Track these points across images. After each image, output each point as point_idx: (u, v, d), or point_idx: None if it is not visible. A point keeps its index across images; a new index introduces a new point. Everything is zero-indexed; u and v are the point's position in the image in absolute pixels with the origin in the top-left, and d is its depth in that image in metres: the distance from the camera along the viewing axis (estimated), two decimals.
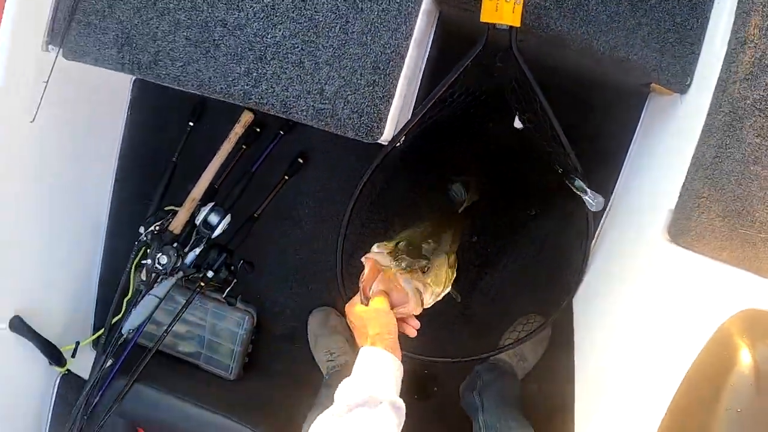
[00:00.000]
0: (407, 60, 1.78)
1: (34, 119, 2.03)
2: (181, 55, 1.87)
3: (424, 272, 1.69)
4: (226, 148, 2.44)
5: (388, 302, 1.62)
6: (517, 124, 2.23)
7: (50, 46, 1.99)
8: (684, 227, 1.63)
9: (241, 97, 1.84)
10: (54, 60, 1.99)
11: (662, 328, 1.68)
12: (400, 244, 1.72)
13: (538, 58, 1.79)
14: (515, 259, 2.55)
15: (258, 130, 2.54)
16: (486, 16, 1.70)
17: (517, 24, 1.69)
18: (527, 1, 1.72)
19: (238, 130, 2.45)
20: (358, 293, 1.66)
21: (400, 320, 1.64)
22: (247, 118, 2.45)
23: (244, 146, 2.52)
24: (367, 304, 1.62)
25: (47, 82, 2.01)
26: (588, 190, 1.92)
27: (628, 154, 2.31)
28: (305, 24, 1.79)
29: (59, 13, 1.96)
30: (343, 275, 2.04)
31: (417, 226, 1.97)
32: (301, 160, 2.58)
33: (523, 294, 2.54)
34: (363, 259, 1.67)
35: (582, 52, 1.84)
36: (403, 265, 1.64)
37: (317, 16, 1.78)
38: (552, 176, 2.10)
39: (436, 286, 1.73)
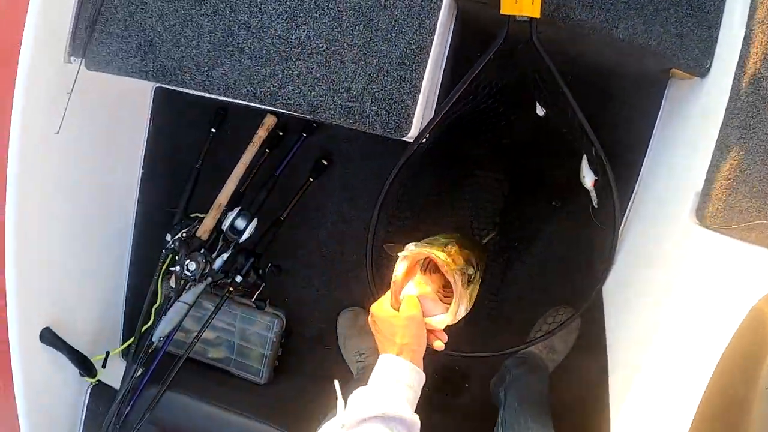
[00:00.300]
0: (431, 55, 1.78)
1: (59, 131, 2.03)
2: (206, 60, 1.87)
3: (469, 282, 1.63)
4: (251, 152, 2.43)
5: (421, 310, 1.52)
6: (540, 111, 2.23)
7: (72, 58, 2.00)
8: (711, 210, 1.62)
9: (268, 99, 1.84)
10: (77, 71, 1.99)
11: (695, 310, 1.66)
12: (450, 246, 1.65)
13: (557, 48, 1.79)
14: (542, 251, 2.54)
15: (281, 133, 2.53)
16: (506, 8, 1.71)
17: (537, 15, 1.69)
18: None
19: (261, 134, 2.45)
20: (387, 293, 1.56)
21: (429, 332, 1.54)
22: (270, 121, 2.45)
23: (267, 150, 2.51)
24: (398, 308, 1.52)
25: (71, 93, 2.01)
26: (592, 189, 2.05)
27: (651, 140, 2.27)
28: (329, 23, 1.79)
29: (80, 23, 1.97)
30: (373, 273, 2.02)
31: (448, 234, 1.89)
32: (324, 162, 2.57)
33: (551, 286, 2.52)
34: (400, 255, 1.58)
35: (601, 41, 1.84)
36: (463, 268, 1.59)
37: (341, 15, 1.79)
38: (574, 165, 2.12)
39: (470, 302, 1.67)
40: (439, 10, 1.77)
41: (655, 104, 2.26)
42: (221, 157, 2.57)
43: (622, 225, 2.23)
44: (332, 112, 1.81)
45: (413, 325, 1.48)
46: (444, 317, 1.53)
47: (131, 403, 2.38)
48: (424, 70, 1.79)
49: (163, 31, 1.90)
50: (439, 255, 1.55)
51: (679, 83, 2.11)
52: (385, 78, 1.78)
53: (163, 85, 2.35)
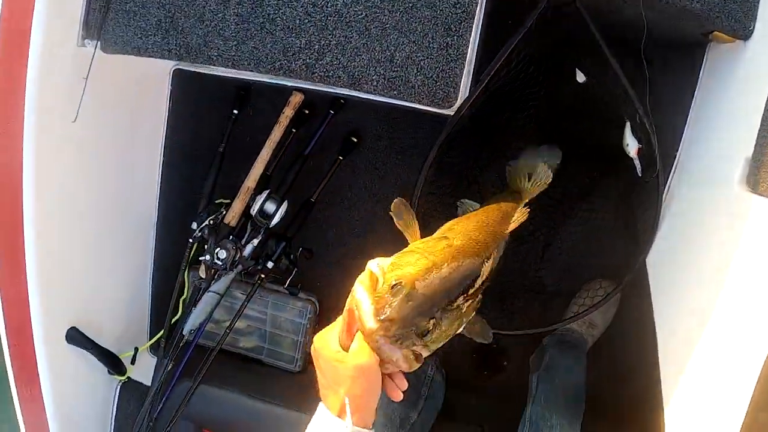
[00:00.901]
0: (475, 20, 1.63)
1: (75, 119, 1.89)
2: (234, 34, 1.71)
3: (423, 336, 1.13)
4: (277, 132, 2.26)
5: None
6: (580, 78, 2.10)
7: (87, 41, 1.85)
8: (765, 175, 1.53)
9: (304, 72, 1.68)
10: (92, 54, 1.84)
11: (749, 279, 1.56)
12: (397, 288, 1.11)
13: (594, 13, 1.73)
14: (581, 224, 2.39)
15: (306, 111, 2.37)
16: None
17: None
18: None
19: (288, 112, 2.27)
20: (338, 320, 1.20)
21: (386, 375, 1.17)
22: (297, 99, 2.27)
23: (293, 130, 2.35)
24: (348, 345, 1.14)
25: (87, 78, 1.86)
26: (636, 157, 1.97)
27: (692, 105, 2.17)
28: None
29: (93, 3, 1.81)
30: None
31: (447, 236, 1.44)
32: (354, 139, 2.41)
33: (592, 258, 2.38)
34: (371, 267, 1.19)
35: (641, 3, 1.72)
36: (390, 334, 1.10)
37: None
38: (614, 133, 2.02)
39: (439, 342, 1.18)
40: None
41: (694, 68, 2.17)
42: (245, 139, 2.43)
43: (666, 193, 2.12)
44: (374, 83, 1.66)
45: (363, 378, 1.12)
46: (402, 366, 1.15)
47: (164, 399, 2.25)
48: (470, 36, 1.64)
49: (185, 5, 1.74)
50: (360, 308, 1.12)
51: (719, 47, 2.03)
52: (431, 45, 1.63)
53: (181, 66, 2.23)
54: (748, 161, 1.59)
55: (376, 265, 1.18)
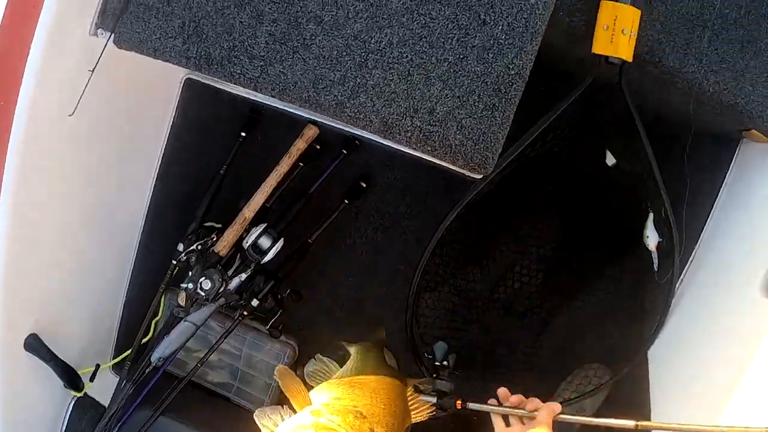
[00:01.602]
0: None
1: (73, 113, 1.70)
2: (262, 53, 1.54)
3: None
4: (286, 164, 2.07)
5: None
6: (610, 160, 2.00)
7: (100, 31, 1.67)
8: None
9: (333, 108, 1.50)
10: (104, 47, 1.65)
11: (761, 387, 1.51)
12: None
13: (636, 92, 1.69)
14: (586, 303, 2.27)
15: (318, 147, 2.18)
16: (599, 47, 1.58)
17: (630, 58, 1.58)
18: (640, 34, 1.63)
19: (300, 145, 2.08)
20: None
21: None
22: (311, 132, 2.08)
23: (301, 164, 2.16)
24: None
25: (92, 71, 1.67)
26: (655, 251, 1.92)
27: (716, 201, 2.13)
28: (418, 31, 1.47)
29: None
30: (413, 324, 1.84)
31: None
32: (363, 184, 2.24)
33: (590, 341, 2.25)
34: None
35: (685, 92, 1.72)
36: None
37: (433, 24, 1.47)
38: (635, 218, 1.97)
39: None
40: (540, 36, 1.47)
41: (724, 163, 2.12)
42: (249, 165, 2.24)
43: (679, 284, 2.07)
44: (409, 134, 1.49)
45: None
46: None
47: (119, 424, 2.09)
48: (517, 101, 1.48)
49: (214, 13, 1.56)
50: None
51: (752, 145, 2.00)
52: (477, 104, 1.47)
53: (194, 76, 2.07)
54: None
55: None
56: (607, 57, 1.59)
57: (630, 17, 1.56)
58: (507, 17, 1.44)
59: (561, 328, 2.28)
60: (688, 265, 2.10)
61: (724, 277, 1.90)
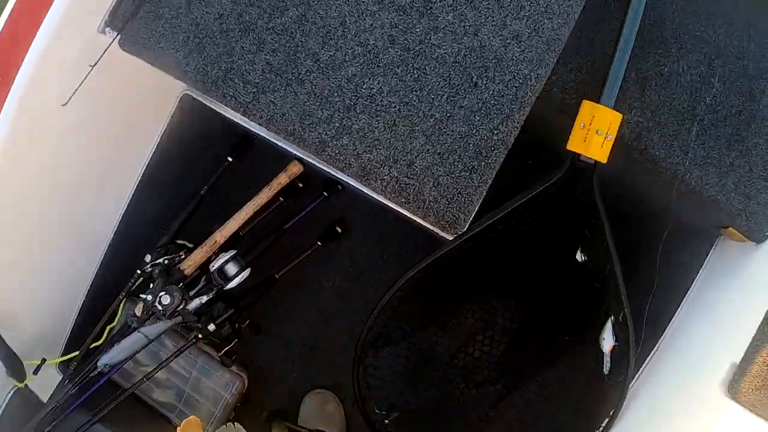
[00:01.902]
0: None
1: (67, 103, 1.70)
2: (257, 80, 1.54)
3: None
4: (264, 196, 2.06)
5: None
6: (579, 257, 1.98)
7: (108, 29, 1.69)
8: (748, 386, 1.52)
9: (315, 145, 1.49)
10: (108, 45, 1.67)
11: None
12: None
13: (617, 179, 1.72)
14: (543, 386, 2.24)
15: (300, 185, 2.19)
16: (573, 144, 1.57)
17: (604, 160, 1.57)
18: (627, 120, 1.66)
19: (282, 179, 2.08)
20: None
21: None
22: (295, 168, 2.09)
23: (281, 198, 2.16)
24: None
25: (93, 66, 1.68)
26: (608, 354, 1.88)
27: (687, 295, 2.12)
28: (410, 84, 1.47)
29: None
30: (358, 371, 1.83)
31: None
32: (339, 229, 2.24)
33: (543, 425, 2.21)
34: None
35: (671, 182, 1.72)
36: None
37: (425, 79, 1.48)
38: (595, 317, 1.93)
39: None
40: (529, 106, 1.48)
41: (699, 258, 2.12)
42: (229, 190, 2.24)
43: (634, 384, 2.08)
44: (385, 183, 1.48)
45: None
46: None
47: (53, 423, 2.01)
48: (497, 166, 1.48)
49: (219, 34, 1.58)
50: None
51: (729, 243, 2.01)
52: (456, 163, 1.47)
53: (192, 93, 2.07)
54: (734, 367, 1.55)
55: None
56: (579, 155, 1.57)
57: (608, 119, 1.53)
58: (498, 83, 1.45)
59: (515, 406, 2.23)
60: (648, 358, 2.10)
61: (686, 370, 1.90)
